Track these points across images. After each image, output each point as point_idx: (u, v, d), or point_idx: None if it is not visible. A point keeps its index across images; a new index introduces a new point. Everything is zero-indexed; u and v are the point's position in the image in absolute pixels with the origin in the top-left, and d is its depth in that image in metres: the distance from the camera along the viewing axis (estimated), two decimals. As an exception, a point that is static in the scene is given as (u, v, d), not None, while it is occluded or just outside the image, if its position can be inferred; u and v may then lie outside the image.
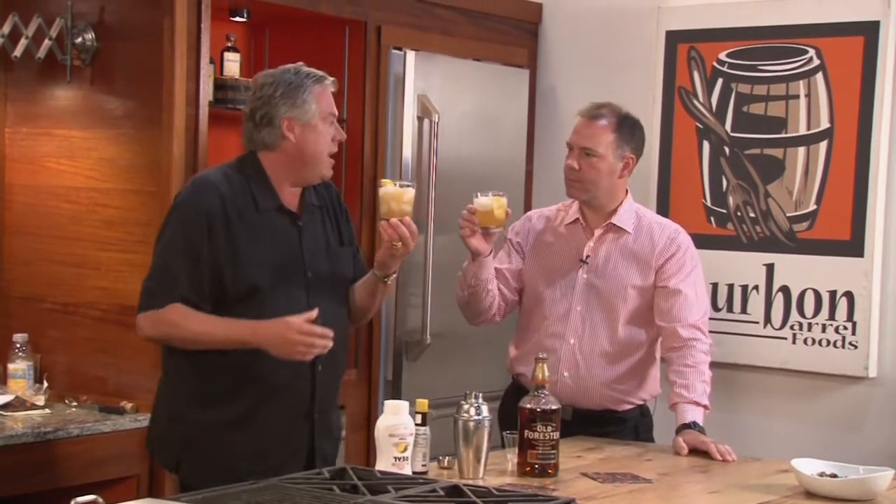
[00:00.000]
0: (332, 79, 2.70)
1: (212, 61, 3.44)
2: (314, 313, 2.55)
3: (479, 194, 2.91)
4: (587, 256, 3.04)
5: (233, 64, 3.64)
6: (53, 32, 3.33)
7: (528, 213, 3.23)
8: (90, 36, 3.34)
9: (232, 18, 3.71)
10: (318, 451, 2.67)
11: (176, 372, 2.66)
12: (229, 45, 3.66)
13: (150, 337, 2.64)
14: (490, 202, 2.88)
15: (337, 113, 2.70)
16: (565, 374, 3.02)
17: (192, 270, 2.58)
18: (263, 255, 2.61)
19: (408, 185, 2.64)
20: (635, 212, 3.08)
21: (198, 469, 2.63)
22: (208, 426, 2.60)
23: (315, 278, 2.67)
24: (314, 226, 2.71)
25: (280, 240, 2.65)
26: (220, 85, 3.57)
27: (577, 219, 3.07)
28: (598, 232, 3.05)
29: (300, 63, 2.70)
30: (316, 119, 2.64)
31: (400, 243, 2.61)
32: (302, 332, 2.52)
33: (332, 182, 2.80)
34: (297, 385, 2.63)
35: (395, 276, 2.72)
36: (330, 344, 2.55)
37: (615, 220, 3.04)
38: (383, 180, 2.67)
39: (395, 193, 2.61)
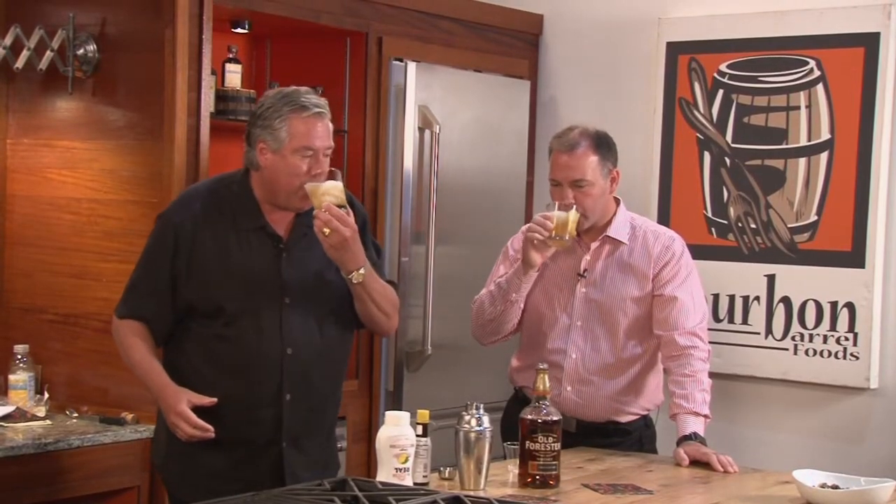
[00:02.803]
0: (317, 110, 2.56)
1: (213, 72, 3.45)
2: (213, 401, 2.56)
3: (554, 205, 2.87)
4: (584, 270, 3.04)
5: (234, 75, 3.65)
6: (55, 44, 3.34)
7: (525, 227, 3.22)
8: (92, 47, 3.35)
9: (233, 30, 3.72)
10: (288, 477, 2.61)
11: None
12: (231, 56, 3.67)
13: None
14: (566, 215, 2.86)
15: (321, 146, 2.56)
16: (569, 387, 3.02)
17: (152, 287, 2.63)
18: (232, 275, 2.59)
19: (332, 174, 2.56)
20: (629, 221, 3.07)
21: (174, 478, 2.68)
22: (181, 445, 2.61)
23: (293, 304, 2.61)
24: (303, 249, 2.64)
25: (256, 261, 2.61)
26: (222, 96, 3.58)
27: (571, 234, 3.06)
28: (593, 245, 3.05)
29: (305, 88, 2.63)
30: (285, 149, 2.55)
31: (327, 230, 2.51)
32: (180, 418, 2.54)
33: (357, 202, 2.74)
34: (261, 413, 2.61)
35: (358, 273, 2.57)
36: (209, 436, 2.54)
37: (610, 232, 3.04)
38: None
39: (311, 189, 2.55)
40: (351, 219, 2.54)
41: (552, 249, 2.93)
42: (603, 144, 2.99)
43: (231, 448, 2.61)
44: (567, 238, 2.88)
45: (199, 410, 2.58)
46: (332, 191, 2.54)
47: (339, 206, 2.54)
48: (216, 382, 2.59)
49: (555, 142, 3.00)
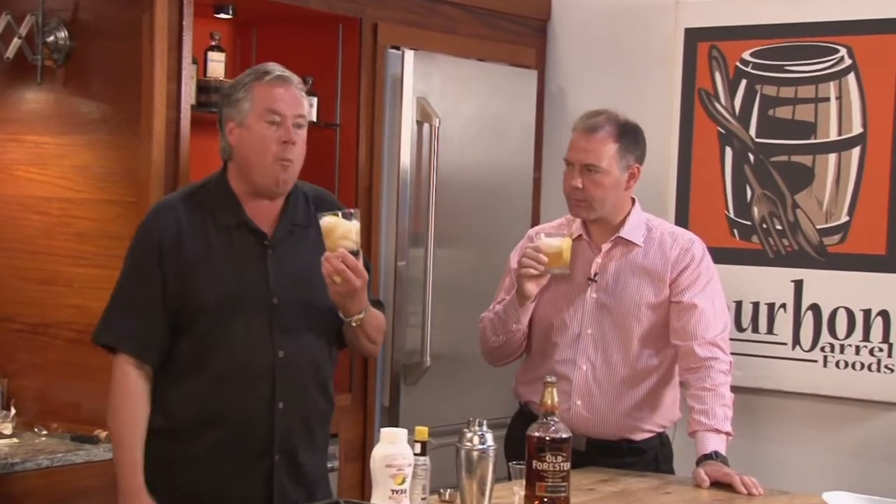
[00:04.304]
0: (280, 73, 2.58)
1: (194, 61, 3.45)
2: None
3: (543, 235, 2.97)
4: (595, 274, 3.04)
5: (217, 64, 3.65)
6: (23, 30, 3.34)
7: (529, 231, 3.23)
8: (63, 34, 3.35)
9: (216, 15, 3.72)
10: (277, 496, 2.62)
11: (152, 400, 2.65)
12: (213, 43, 3.67)
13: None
14: (560, 244, 2.93)
15: (288, 111, 2.56)
16: (578, 402, 3.02)
17: (143, 308, 2.58)
18: (217, 275, 2.58)
19: (349, 215, 2.58)
20: (645, 222, 3.08)
21: (164, 499, 2.66)
22: (170, 460, 2.61)
23: (282, 305, 2.62)
24: (289, 247, 2.65)
25: (240, 261, 2.61)
26: (204, 87, 3.57)
27: (581, 234, 3.07)
28: (605, 247, 3.05)
29: (272, 63, 2.65)
30: (251, 118, 2.56)
31: (338, 278, 2.54)
32: None
33: (333, 199, 2.77)
34: (251, 423, 2.61)
35: (360, 317, 2.63)
36: None
37: (623, 233, 3.04)
38: (326, 213, 2.59)
39: (328, 228, 2.57)
40: (362, 265, 2.56)
41: (548, 277, 2.97)
42: (628, 135, 3.00)
43: (218, 464, 2.60)
44: (564, 269, 2.95)
45: (193, 418, 2.57)
46: (349, 235, 2.57)
47: (354, 252, 2.56)
48: (203, 393, 2.59)
49: (578, 121, 3.04)
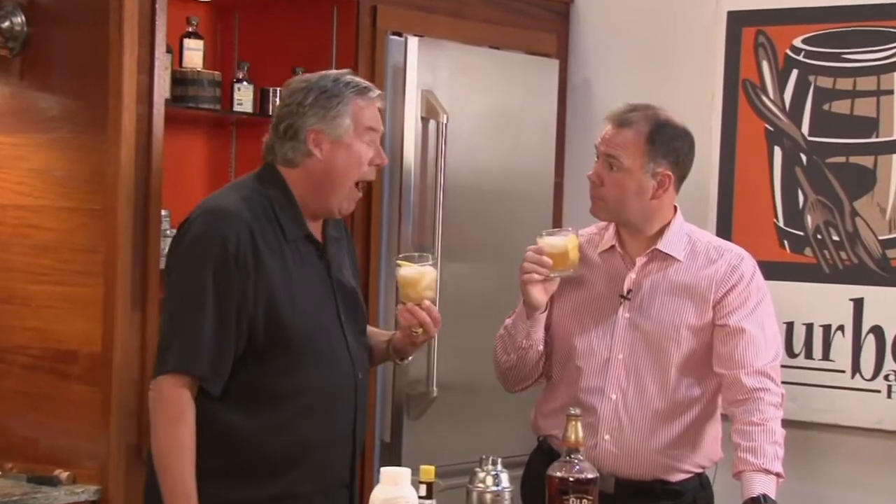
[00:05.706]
0: (378, 92, 2.75)
1: (169, 50, 3.46)
2: None
3: (545, 234, 2.98)
4: (628, 291, 3.04)
5: (194, 53, 3.66)
6: (-26, 15, 3.36)
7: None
8: (19, 20, 3.37)
9: (193, -2, 3.74)
10: None
11: (201, 436, 2.58)
12: (190, 30, 3.69)
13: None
14: (563, 242, 2.94)
15: (381, 131, 2.74)
16: (606, 437, 3.02)
17: (215, 331, 2.55)
18: (298, 294, 2.64)
19: (427, 264, 2.78)
20: (687, 234, 3.08)
21: None
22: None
23: (348, 322, 2.74)
24: (337, 260, 2.77)
25: (312, 275, 2.69)
26: (179, 79, 3.59)
27: (614, 245, 3.07)
28: (640, 261, 3.05)
29: (347, 70, 2.76)
30: (350, 136, 2.69)
31: (420, 329, 2.76)
32: None
33: None
34: (340, 454, 2.71)
35: (412, 357, 2.91)
36: None
37: (661, 245, 3.04)
38: (399, 261, 2.79)
39: (414, 278, 2.76)
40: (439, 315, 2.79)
41: (557, 281, 2.97)
42: (662, 136, 2.99)
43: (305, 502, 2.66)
44: (571, 270, 2.95)
45: (271, 460, 2.60)
46: (433, 284, 2.80)
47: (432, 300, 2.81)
48: (290, 425, 2.62)
49: (612, 112, 3.05)
